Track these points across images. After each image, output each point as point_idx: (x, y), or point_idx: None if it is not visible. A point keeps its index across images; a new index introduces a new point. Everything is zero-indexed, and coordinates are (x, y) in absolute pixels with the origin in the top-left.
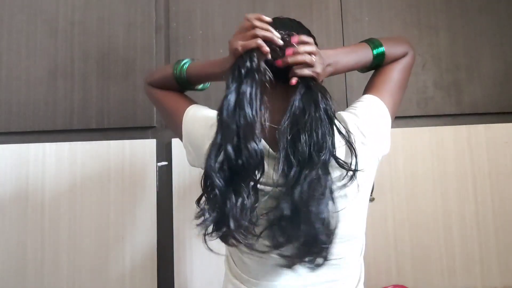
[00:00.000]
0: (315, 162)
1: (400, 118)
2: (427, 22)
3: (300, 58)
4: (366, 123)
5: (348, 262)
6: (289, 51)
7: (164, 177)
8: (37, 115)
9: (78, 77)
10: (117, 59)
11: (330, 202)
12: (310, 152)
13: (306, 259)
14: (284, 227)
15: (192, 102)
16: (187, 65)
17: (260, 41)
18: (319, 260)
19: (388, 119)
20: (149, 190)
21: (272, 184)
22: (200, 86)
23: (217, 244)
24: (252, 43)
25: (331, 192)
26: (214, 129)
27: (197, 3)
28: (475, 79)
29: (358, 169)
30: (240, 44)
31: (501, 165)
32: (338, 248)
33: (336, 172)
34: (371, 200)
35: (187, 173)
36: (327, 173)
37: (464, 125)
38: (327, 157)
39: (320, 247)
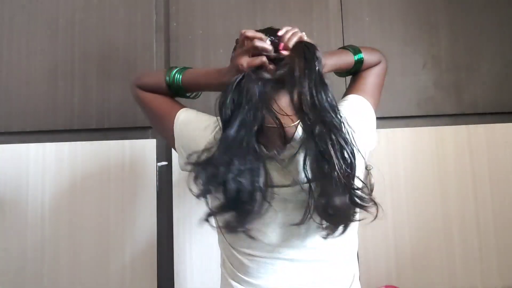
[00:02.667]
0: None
1: (400, 118)
2: (427, 22)
3: (297, 36)
4: (354, 119)
5: (342, 260)
6: (280, 46)
7: (164, 177)
8: (37, 115)
9: (78, 77)
10: (117, 59)
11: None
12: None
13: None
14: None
15: (181, 105)
16: (181, 73)
17: (264, 59)
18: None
19: (373, 114)
20: (149, 190)
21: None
22: (193, 94)
23: (216, 242)
24: (257, 60)
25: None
26: (209, 130)
27: (197, 3)
28: (475, 79)
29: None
30: (246, 61)
31: (501, 165)
32: (333, 247)
33: None
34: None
35: (187, 173)
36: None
37: (464, 125)
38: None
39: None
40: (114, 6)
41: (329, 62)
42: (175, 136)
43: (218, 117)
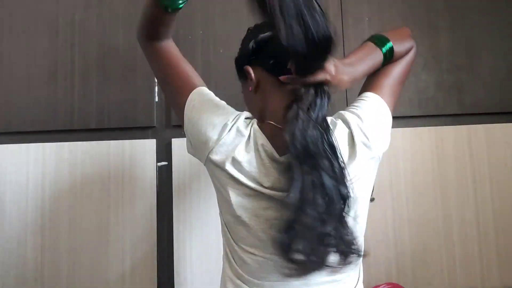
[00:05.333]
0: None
1: (400, 118)
2: (427, 22)
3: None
4: (370, 125)
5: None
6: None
7: (164, 177)
8: (37, 115)
9: (78, 77)
10: (117, 59)
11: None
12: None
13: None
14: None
15: (199, 82)
16: None
17: None
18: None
19: (390, 118)
20: (149, 190)
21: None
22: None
23: (216, 242)
24: None
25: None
26: (225, 130)
27: (197, 3)
28: (475, 79)
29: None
30: None
31: (501, 165)
32: None
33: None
34: (371, 200)
35: (187, 173)
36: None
37: (464, 125)
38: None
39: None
40: (114, 6)
41: (360, 69)
42: (185, 118)
43: (238, 114)
